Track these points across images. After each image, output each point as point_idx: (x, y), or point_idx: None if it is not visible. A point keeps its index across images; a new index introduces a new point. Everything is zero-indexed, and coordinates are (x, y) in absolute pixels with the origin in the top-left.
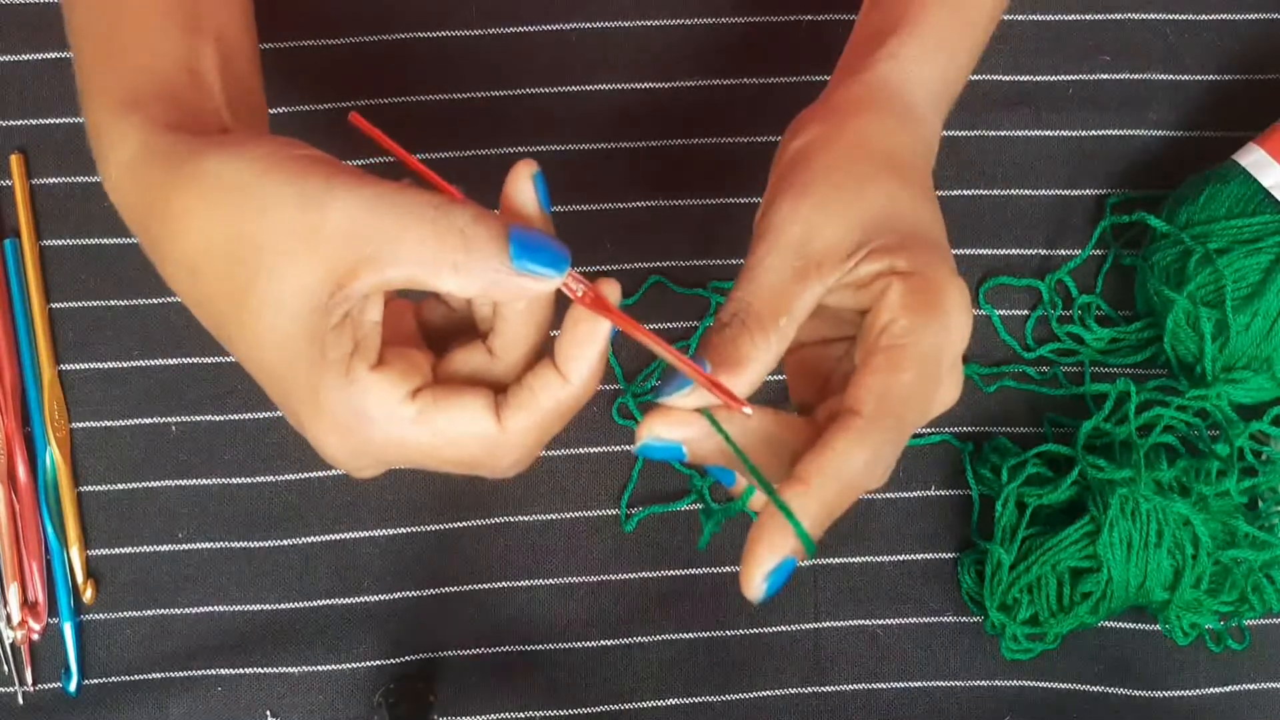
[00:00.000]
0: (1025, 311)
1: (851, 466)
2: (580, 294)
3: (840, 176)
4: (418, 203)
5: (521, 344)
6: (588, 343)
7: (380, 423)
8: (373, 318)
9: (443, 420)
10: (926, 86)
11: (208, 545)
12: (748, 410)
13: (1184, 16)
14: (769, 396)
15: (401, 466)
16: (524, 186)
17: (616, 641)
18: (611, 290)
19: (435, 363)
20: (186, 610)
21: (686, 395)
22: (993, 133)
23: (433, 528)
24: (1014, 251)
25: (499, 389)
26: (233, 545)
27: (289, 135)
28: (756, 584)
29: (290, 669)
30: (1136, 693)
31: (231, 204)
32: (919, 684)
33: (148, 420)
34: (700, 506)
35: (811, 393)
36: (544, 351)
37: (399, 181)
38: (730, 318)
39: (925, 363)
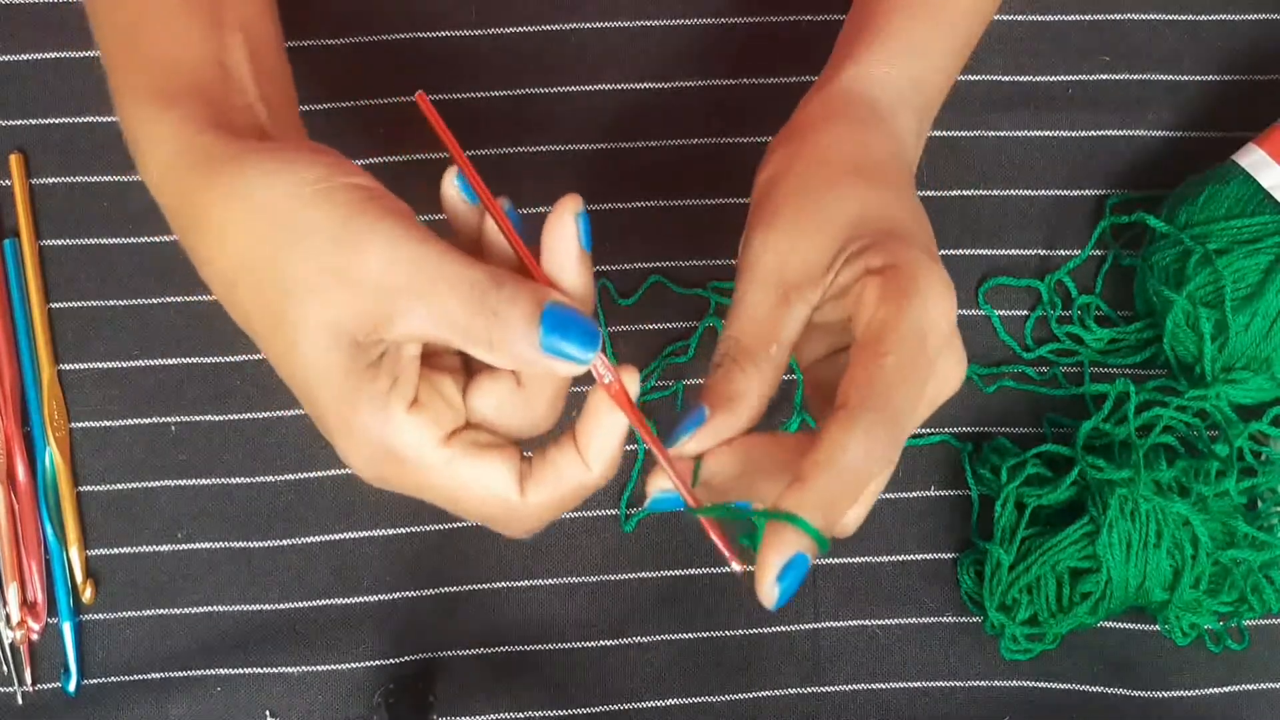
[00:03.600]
0: (1025, 312)
1: (846, 455)
2: (607, 381)
3: (806, 196)
4: (457, 274)
5: (547, 377)
6: (608, 434)
7: (410, 463)
8: (411, 352)
9: (469, 475)
10: (894, 86)
11: (208, 545)
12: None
13: (1184, 16)
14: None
15: (421, 498)
16: (568, 225)
17: (616, 641)
18: (632, 382)
19: (465, 385)
20: (186, 610)
21: (684, 445)
22: (992, 133)
23: (432, 528)
24: (1013, 252)
25: (525, 429)
26: (232, 545)
27: None
28: (768, 587)
29: (290, 669)
30: (1136, 693)
31: (270, 225)
32: (918, 684)
33: (148, 420)
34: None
35: (829, 407)
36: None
37: (446, 240)
38: (721, 357)
39: (905, 345)
